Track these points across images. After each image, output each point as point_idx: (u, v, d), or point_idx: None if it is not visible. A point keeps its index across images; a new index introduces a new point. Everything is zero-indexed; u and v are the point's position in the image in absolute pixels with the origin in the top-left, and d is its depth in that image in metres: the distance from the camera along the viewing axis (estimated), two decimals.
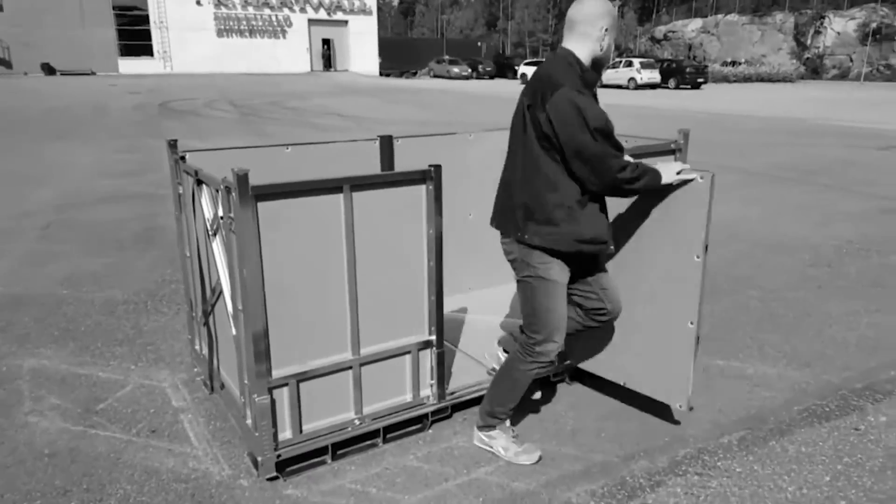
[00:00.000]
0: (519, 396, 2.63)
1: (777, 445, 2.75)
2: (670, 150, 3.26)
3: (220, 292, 2.66)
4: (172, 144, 2.99)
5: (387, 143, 3.57)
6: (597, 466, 2.62)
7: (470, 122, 16.49)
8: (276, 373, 2.43)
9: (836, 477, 2.55)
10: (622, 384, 3.00)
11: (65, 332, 3.89)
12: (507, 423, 2.73)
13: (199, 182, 2.68)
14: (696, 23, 59.93)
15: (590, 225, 2.41)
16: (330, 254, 2.46)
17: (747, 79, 42.19)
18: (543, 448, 2.72)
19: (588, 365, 3.12)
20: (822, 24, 49.14)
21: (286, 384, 2.46)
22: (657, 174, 2.47)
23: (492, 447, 2.69)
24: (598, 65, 2.45)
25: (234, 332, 2.51)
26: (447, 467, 2.60)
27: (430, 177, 2.59)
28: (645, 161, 2.51)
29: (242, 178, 2.19)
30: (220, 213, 2.43)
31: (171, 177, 3.05)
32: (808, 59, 49.78)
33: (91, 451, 2.70)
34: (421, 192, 2.61)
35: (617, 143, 2.35)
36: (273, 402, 2.43)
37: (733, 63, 46.59)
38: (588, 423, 2.92)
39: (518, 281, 2.56)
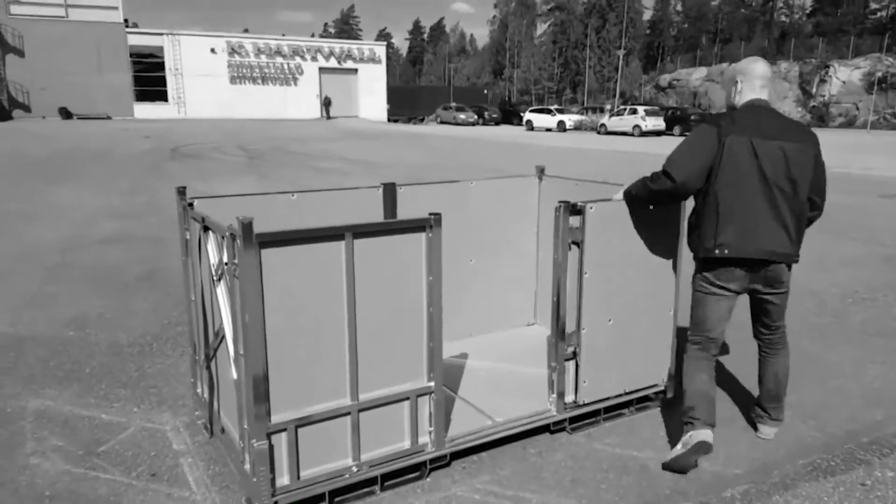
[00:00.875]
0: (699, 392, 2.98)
1: (781, 500, 2.72)
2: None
3: (223, 336, 2.70)
4: (181, 191, 3.07)
5: (390, 190, 3.65)
6: None
7: (473, 166, 16.71)
8: (275, 418, 2.45)
9: None
10: (624, 391, 3.32)
11: (69, 373, 3.92)
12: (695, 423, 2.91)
13: (206, 228, 2.75)
14: (701, 71, 60.99)
15: None
16: (331, 300, 2.51)
17: None
18: (543, 500, 2.70)
19: (597, 393, 3.25)
20: (826, 73, 49.91)
21: (285, 429, 2.48)
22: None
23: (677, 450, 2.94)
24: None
25: (234, 376, 2.54)
26: None
27: (430, 225, 2.65)
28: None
29: (247, 226, 2.25)
30: (225, 259, 2.48)
31: (179, 223, 3.12)
32: (813, 107, 50.40)
33: (91, 494, 2.70)
34: (421, 239, 2.66)
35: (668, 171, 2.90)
36: (271, 447, 2.44)
37: None
38: (588, 475, 2.90)
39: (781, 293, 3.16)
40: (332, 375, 2.56)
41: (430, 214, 2.65)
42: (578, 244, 3.04)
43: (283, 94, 44.71)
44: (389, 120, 47.93)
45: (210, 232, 2.71)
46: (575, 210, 3.00)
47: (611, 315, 3.21)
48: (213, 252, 2.70)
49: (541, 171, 4.28)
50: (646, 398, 3.53)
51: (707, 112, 39.83)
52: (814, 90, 51.00)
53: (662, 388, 3.54)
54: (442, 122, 45.85)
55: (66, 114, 39.00)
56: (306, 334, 2.47)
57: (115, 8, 40.56)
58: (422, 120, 49.12)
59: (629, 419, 3.41)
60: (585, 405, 3.25)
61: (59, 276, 6.04)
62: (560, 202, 2.98)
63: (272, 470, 2.45)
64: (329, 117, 39.09)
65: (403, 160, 17.75)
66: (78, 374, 3.91)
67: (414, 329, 2.71)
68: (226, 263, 2.48)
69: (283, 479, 2.51)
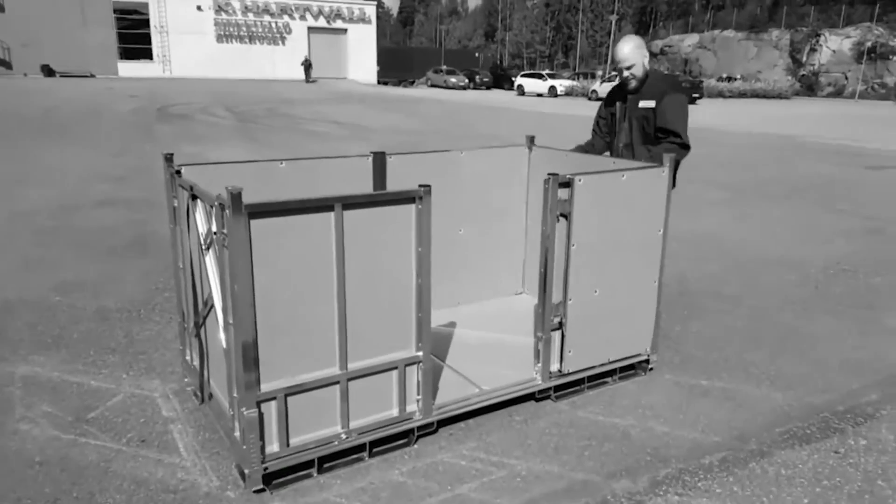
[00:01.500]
0: None
1: (757, 467, 2.81)
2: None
3: (212, 305, 2.71)
4: (168, 158, 3.04)
5: (379, 160, 3.63)
6: (579, 485, 2.66)
7: (463, 132, 16.59)
8: (265, 386, 2.48)
9: (814, 500, 2.60)
10: (608, 360, 3.40)
11: (57, 339, 3.92)
12: None
13: (194, 197, 2.73)
14: (693, 38, 60.41)
15: None
16: (320, 270, 2.51)
17: (742, 94, 42.51)
18: (527, 466, 2.77)
19: (581, 362, 3.30)
20: (817, 41, 49.64)
21: (274, 398, 2.51)
22: None
23: None
24: None
25: (224, 345, 2.56)
26: (431, 482, 2.65)
27: (420, 196, 2.65)
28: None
29: (236, 197, 2.24)
30: (214, 229, 2.48)
31: (167, 190, 3.10)
32: (803, 75, 50.24)
33: (81, 460, 2.74)
34: (411, 211, 2.66)
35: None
36: (261, 415, 2.48)
37: (729, 78, 46.96)
38: (571, 442, 2.97)
39: None
40: (322, 345, 2.58)
41: (420, 186, 2.65)
42: (566, 216, 3.05)
43: (270, 54, 43.88)
44: (379, 82, 47.26)
45: (198, 201, 2.70)
46: (564, 183, 3.01)
47: (597, 286, 3.25)
48: (201, 221, 2.69)
49: (531, 141, 4.27)
50: (629, 367, 3.60)
51: (698, 79, 39.53)
52: (804, 59, 50.74)
53: (645, 357, 3.60)
54: (432, 86, 45.30)
55: (48, 71, 38.11)
56: (295, 304, 2.48)
57: None
58: (412, 83, 48.47)
59: (612, 388, 3.48)
60: (570, 374, 3.31)
61: (49, 239, 5.99)
62: (549, 174, 2.99)
63: (262, 437, 2.49)
64: (309, 80, 38.24)
65: (394, 125, 17.58)
66: (66, 339, 3.91)
67: (403, 299, 2.73)
68: (214, 233, 2.48)
69: (273, 447, 2.56)
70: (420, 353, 2.81)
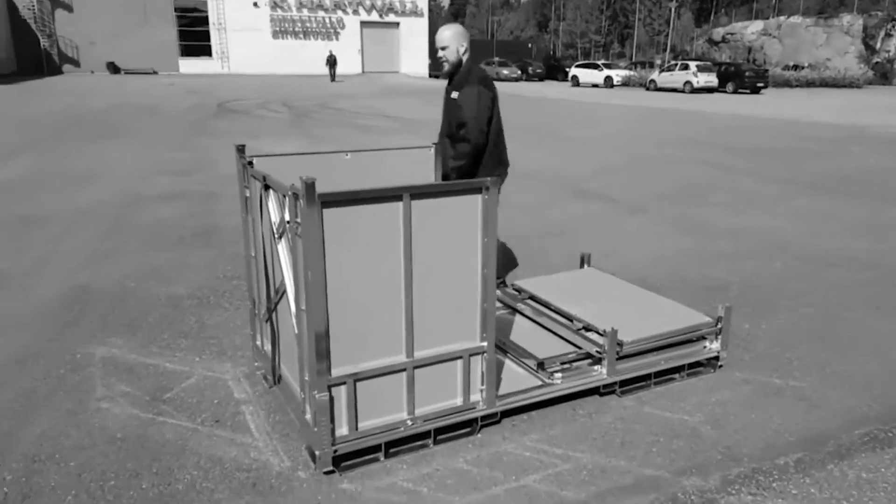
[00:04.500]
0: None
1: (836, 469, 2.71)
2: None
3: (284, 292, 2.78)
4: (240, 149, 3.13)
5: (441, 151, 3.65)
6: (647, 480, 2.63)
7: (516, 124, 16.49)
8: (336, 371, 2.53)
9: None
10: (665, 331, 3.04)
11: (132, 323, 4.10)
12: None
13: (267, 187, 2.80)
14: (757, 25, 58.26)
15: None
16: (389, 259, 2.55)
17: (810, 83, 40.77)
18: (592, 459, 2.75)
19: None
20: (892, 27, 47.19)
21: (344, 383, 2.56)
22: None
23: None
24: None
25: (296, 330, 2.62)
26: (496, 472, 2.66)
27: (487, 187, 2.65)
28: None
29: (310, 186, 2.29)
30: (287, 218, 2.54)
31: (239, 180, 3.19)
32: (877, 63, 47.89)
33: (159, 438, 2.86)
34: (477, 201, 2.67)
35: None
36: (332, 399, 2.54)
37: (796, 67, 45.15)
38: (637, 437, 2.93)
39: None
40: (389, 333, 2.62)
41: (488, 177, 2.65)
42: None
43: (324, 49, 44.46)
44: (430, 75, 47.33)
45: (271, 190, 2.77)
46: None
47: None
48: (274, 210, 2.76)
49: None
50: (697, 363, 3.52)
51: (763, 68, 38.13)
52: (878, 45, 48.35)
53: (715, 354, 3.52)
54: None
55: (113, 68, 39.62)
56: (365, 292, 2.53)
57: None
58: None
59: (680, 384, 3.42)
60: (636, 369, 3.27)
61: (117, 231, 6.25)
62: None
63: (332, 420, 2.55)
64: (334, 79, 37.79)
65: None
66: (140, 324, 4.08)
67: (468, 289, 2.74)
68: (288, 222, 2.54)
69: (343, 430, 2.62)
70: (485, 344, 2.82)
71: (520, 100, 26.12)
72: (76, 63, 39.85)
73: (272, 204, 2.77)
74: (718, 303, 4.15)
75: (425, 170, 3.59)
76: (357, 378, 2.59)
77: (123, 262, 5.30)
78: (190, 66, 41.60)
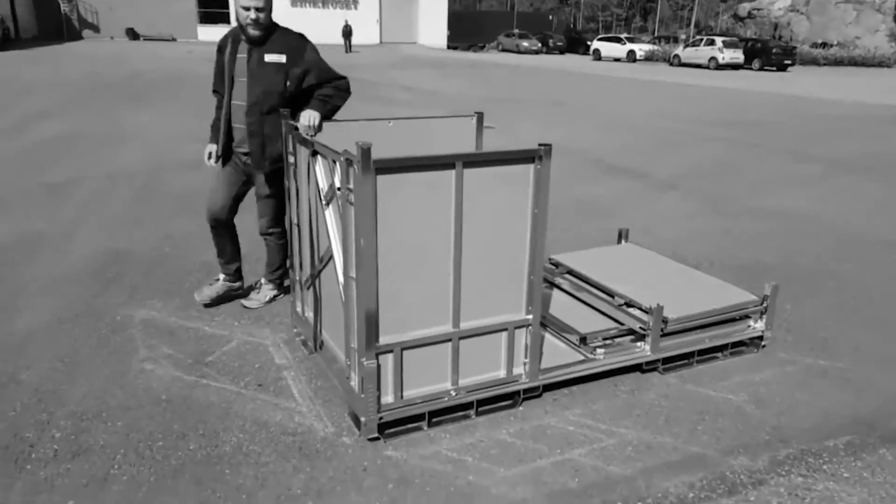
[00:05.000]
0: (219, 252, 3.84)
1: (888, 454, 2.66)
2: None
3: (329, 259, 2.76)
4: (285, 115, 3.09)
5: (480, 120, 3.58)
6: (694, 459, 2.61)
7: (541, 98, 16.27)
8: (383, 339, 2.52)
9: None
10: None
11: (170, 287, 4.11)
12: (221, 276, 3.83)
13: (315, 153, 2.77)
14: (785, 0, 56.84)
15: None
16: (438, 228, 2.52)
17: (839, 62, 39.74)
18: (637, 435, 2.74)
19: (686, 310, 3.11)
20: None
21: (391, 351, 2.55)
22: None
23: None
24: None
25: (343, 298, 2.61)
26: (540, 444, 2.65)
27: (540, 156, 2.60)
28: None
29: (366, 152, 2.25)
30: (337, 184, 2.51)
31: (283, 147, 3.16)
32: None
33: (204, 400, 2.88)
34: (529, 170, 2.62)
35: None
36: (378, 366, 2.53)
37: (824, 45, 44.06)
38: (682, 415, 2.91)
39: None
40: (437, 302, 2.60)
41: (541, 145, 2.60)
42: None
43: (342, 19, 43.95)
44: (449, 47, 46.72)
45: (319, 157, 2.73)
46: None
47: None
48: (322, 176, 2.73)
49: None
50: (740, 343, 3.48)
51: (790, 45, 37.25)
52: None
53: (759, 333, 3.48)
54: (504, 50, 44.46)
55: (133, 35, 39.45)
56: (414, 261, 2.50)
57: None
58: (482, 47, 47.65)
59: (723, 363, 3.38)
60: (679, 346, 3.23)
61: (148, 196, 6.26)
62: None
63: (378, 388, 2.55)
64: (350, 50, 37.21)
65: (468, 91, 17.39)
66: (178, 288, 4.10)
67: (516, 261, 2.71)
68: (338, 188, 2.51)
69: (388, 397, 2.61)
70: (530, 317, 2.79)
71: (543, 73, 25.78)
72: (96, 28, 39.73)
73: (320, 170, 2.74)
74: (756, 281, 4.10)
75: (466, 138, 3.54)
76: (404, 347, 2.58)
77: (156, 227, 5.31)
78: (208, 33, 41.26)
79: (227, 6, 41.82)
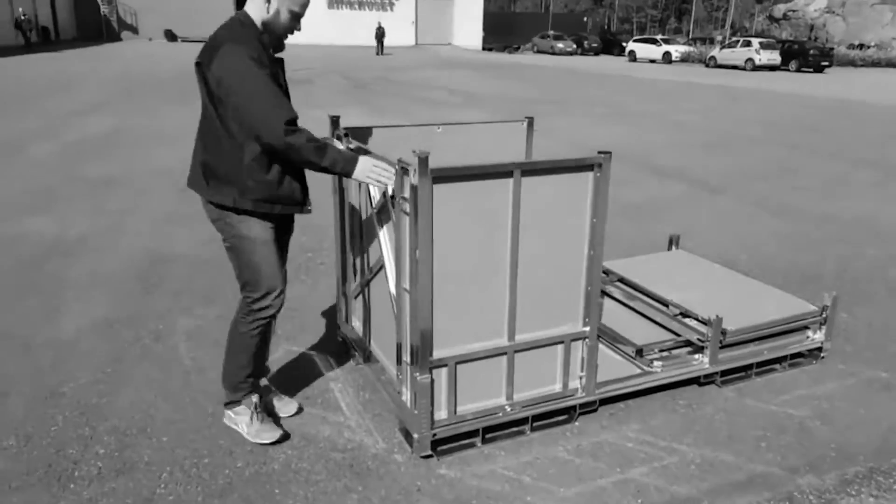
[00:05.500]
0: (250, 361, 2.59)
1: None
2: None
3: (380, 269, 2.69)
4: (335, 120, 3.03)
5: (531, 125, 3.48)
6: (759, 478, 2.48)
7: (581, 99, 16.07)
8: (437, 353, 2.44)
9: None
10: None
11: (211, 293, 4.09)
12: (254, 398, 2.63)
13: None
14: (820, 2, 55.50)
15: (273, 185, 2.35)
16: (494, 238, 2.43)
17: (876, 63, 38.67)
18: (700, 453, 2.61)
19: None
20: None
21: (445, 365, 2.47)
22: (352, 161, 2.33)
23: (236, 426, 2.64)
24: (271, 29, 2.37)
25: (395, 310, 2.54)
26: (599, 463, 2.55)
27: (600, 164, 2.50)
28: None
29: (423, 161, 2.18)
30: (391, 193, 2.44)
31: None
32: None
33: None
34: (588, 179, 2.52)
35: (286, 106, 2.26)
36: (432, 381, 2.45)
37: (861, 46, 42.92)
38: (744, 431, 2.77)
39: (225, 246, 2.50)
40: (492, 315, 2.51)
41: (600, 153, 2.50)
42: None
43: (378, 21, 44.18)
44: (483, 48, 46.63)
45: None
46: None
47: None
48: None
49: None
50: (799, 354, 3.33)
51: (827, 46, 36.33)
52: None
53: (818, 345, 3.32)
54: (539, 52, 44.18)
55: (171, 36, 40.21)
56: (470, 272, 2.42)
57: None
58: (517, 49, 47.46)
59: (782, 376, 3.23)
60: (738, 358, 3.10)
61: (190, 196, 6.24)
62: None
63: (431, 403, 2.47)
64: (381, 52, 36.96)
65: (506, 92, 17.27)
66: (220, 294, 4.07)
67: (573, 271, 2.61)
68: (392, 197, 2.44)
69: (441, 413, 2.53)
70: (587, 329, 2.68)
71: (579, 74, 25.53)
72: (134, 30, 40.61)
73: None
74: (811, 287, 3.94)
75: (516, 144, 3.44)
76: (459, 361, 2.49)
77: (198, 229, 5.31)
78: None
79: None
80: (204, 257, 4.69)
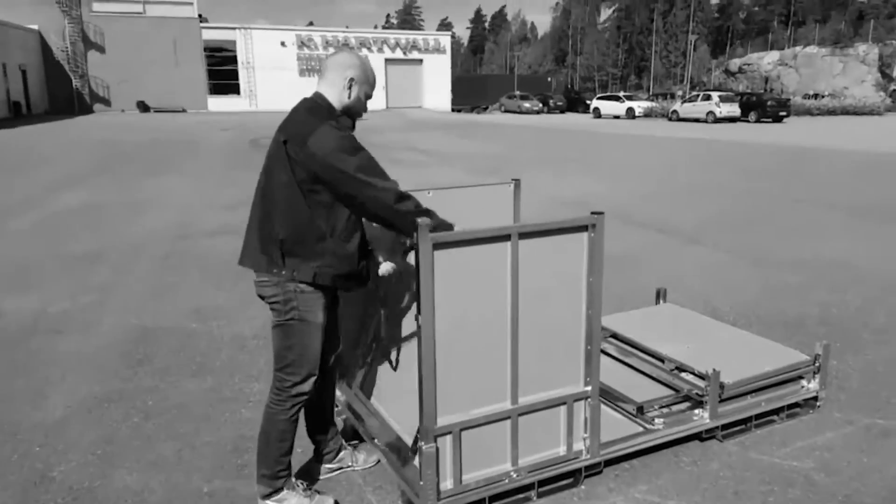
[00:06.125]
0: (290, 447, 2.54)
1: None
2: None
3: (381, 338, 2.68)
4: None
5: (517, 187, 3.55)
6: None
7: (551, 156, 16.46)
8: (441, 420, 2.41)
9: None
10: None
11: (201, 366, 4.01)
12: (293, 479, 2.59)
13: None
14: (773, 55, 58.52)
15: (354, 260, 2.42)
16: (494, 301, 2.45)
17: (831, 112, 40.57)
18: None
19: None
20: None
21: (450, 432, 2.43)
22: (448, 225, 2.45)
23: None
24: (349, 113, 2.50)
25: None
26: None
27: (593, 224, 2.55)
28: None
29: (424, 229, 2.20)
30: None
31: None
32: (894, 91, 47.69)
33: (248, 493, 2.73)
34: (583, 239, 2.57)
35: (384, 175, 2.38)
36: (437, 450, 2.41)
37: (816, 95, 45.05)
38: (751, 487, 2.76)
39: (279, 324, 2.44)
40: (495, 378, 2.50)
41: (593, 213, 2.56)
42: None
43: None
44: (453, 109, 47.84)
45: None
46: None
47: None
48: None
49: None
50: (795, 405, 3.35)
51: (785, 97, 38.04)
52: (894, 73, 48.19)
53: (814, 394, 3.35)
54: (506, 111, 45.45)
55: (143, 107, 40.55)
56: (471, 336, 2.42)
57: (190, 3, 41.86)
58: (485, 109, 48.81)
59: (781, 427, 3.24)
60: (737, 412, 3.11)
61: (174, 268, 6.23)
62: None
63: (437, 473, 2.42)
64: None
65: (478, 151, 17.63)
66: (209, 367, 4.00)
67: (572, 331, 2.62)
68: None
69: (447, 483, 2.48)
70: (589, 388, 2.68)
71: (548, 131, 26.21)
72: (107, 102, 40.87)
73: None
74: (798, 335, 3.99)
75: (504, 205, 3.50)
76: (463, 427, 2.46)
77: (183, 300, 5.25)
78: (218, 103, 42.49)
79: (236, 77, 43.16)
80: (190, 330, 4.61)
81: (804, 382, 3.40)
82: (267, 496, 2.54)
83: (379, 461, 2.83)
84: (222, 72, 42.95)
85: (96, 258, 6.52)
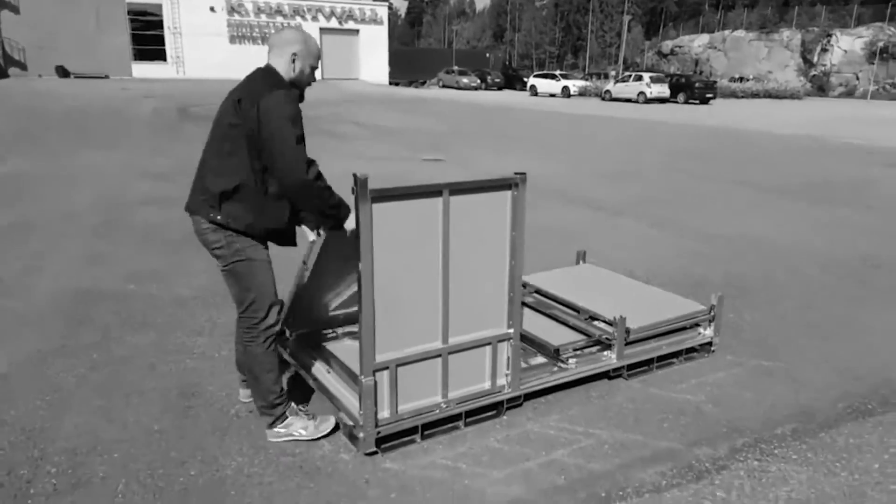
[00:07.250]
0: (278, 375, 2.81)
1: (827, 437, 3.00)
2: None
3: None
4: None
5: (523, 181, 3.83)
6: (663, 452, 2.86)
7: (488, 133, 16.81)
8: (380, 357, 2.68)
9: (884, 465, 2.80)
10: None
11: (142, 324, 4.13)
12: (291, 403, 2.87)
13: None
14: (703, 38, 60.50)
15: (277, 218, 2.67)
16: (428, 252, 2.72)
17: (755, 95, 42.59)
18: (611, 435, 2.97)
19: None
20: (828, 41, 49.69)
21: (387, 367, 2.72)
22: (349, 210, 2.67)
23: (293, 435, 2.82)
24: (296, 84, 2.75)
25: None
26: (526, 448, 2.85)
27: (516, 183, 2.86)
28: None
29: (363, 182, 2.45)
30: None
31: None
32: (814, 76, 50.35)
33: (198, 428, 2.94)
34: (507, 197, 2.87)
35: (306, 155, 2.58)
36: (375, 383, 2.68)
37: (741, 79, 47.08)
38: (649, 416, 3.16)
39: (228, 268, 2.69)
40: (428, 320, 2.79)
41: (516, 173, 2.86)
42: None
43: None
44: (390, 83, 47.50)
45: None
46: None
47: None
48: None
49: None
50: (692, 349, 3.79)
51: (711, 80, 39.65)
52: (815, 59, 50.86)
53: (709, 339, 3.80)
54: (444, 87, 45.53)
55: (63, 72, 38.42)
56: (407, 283, 2.69)
57: None
58: (423, 83, 48.73)
59: (679, 368, 3.67)
60: (641, 354, 3.51)
61: (107, 236, 6.21)
62: None
63: (375, 403, 2.70)
64: None
65: (417, 126, 17.78)
66: (152, 323, 4.13)
67: (497, 280, 2.94)
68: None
69: (384, 413, 2.77)
70: (511, 331, 3.01)
71: (485, 108, 26.53)
72: (23, 66, 38.51)
73: None
74: (703, 295, 4.44)
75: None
76: (399, 363, 2.74)
77: (119, 265, 5.30)
78: (143, 70, 40.68)
79: (162, 43, 41.40)
80: (128, 292, 4.70)
81: (701, 329, 3.85)
82: (272, 424, 2.81)
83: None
84: (147, 37, 41.06)
85: (27, 228, 6.41)
